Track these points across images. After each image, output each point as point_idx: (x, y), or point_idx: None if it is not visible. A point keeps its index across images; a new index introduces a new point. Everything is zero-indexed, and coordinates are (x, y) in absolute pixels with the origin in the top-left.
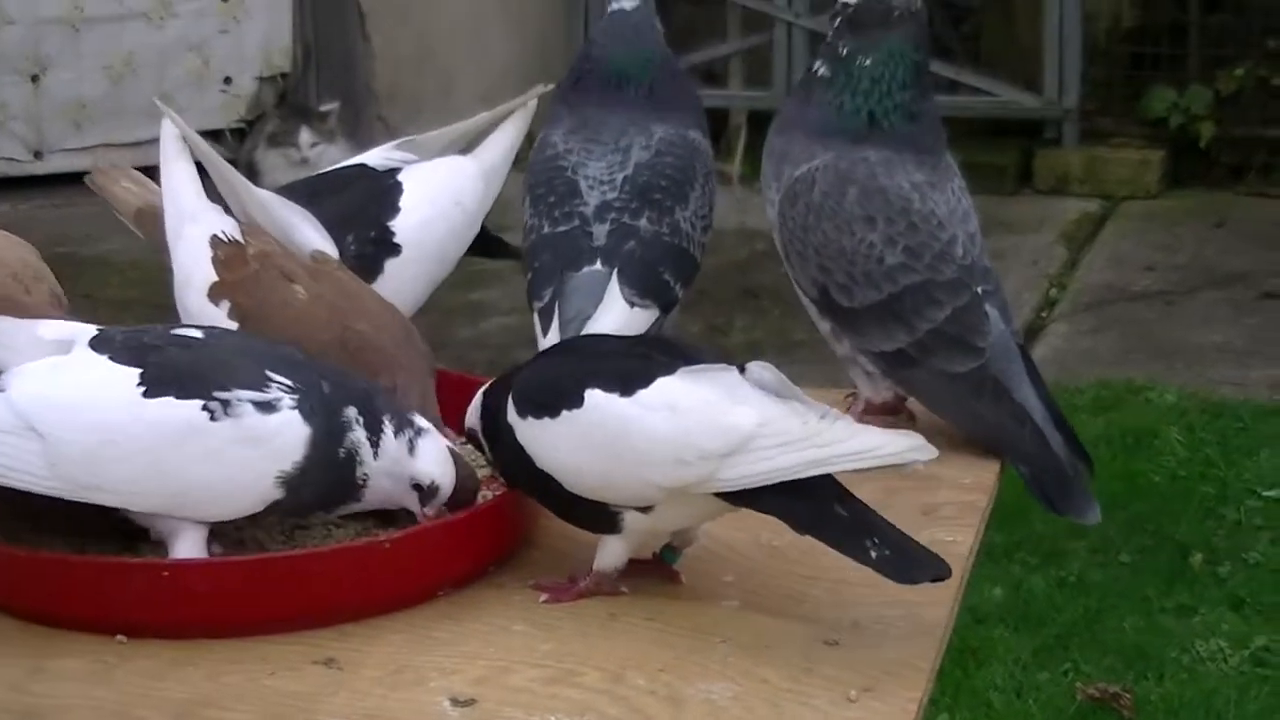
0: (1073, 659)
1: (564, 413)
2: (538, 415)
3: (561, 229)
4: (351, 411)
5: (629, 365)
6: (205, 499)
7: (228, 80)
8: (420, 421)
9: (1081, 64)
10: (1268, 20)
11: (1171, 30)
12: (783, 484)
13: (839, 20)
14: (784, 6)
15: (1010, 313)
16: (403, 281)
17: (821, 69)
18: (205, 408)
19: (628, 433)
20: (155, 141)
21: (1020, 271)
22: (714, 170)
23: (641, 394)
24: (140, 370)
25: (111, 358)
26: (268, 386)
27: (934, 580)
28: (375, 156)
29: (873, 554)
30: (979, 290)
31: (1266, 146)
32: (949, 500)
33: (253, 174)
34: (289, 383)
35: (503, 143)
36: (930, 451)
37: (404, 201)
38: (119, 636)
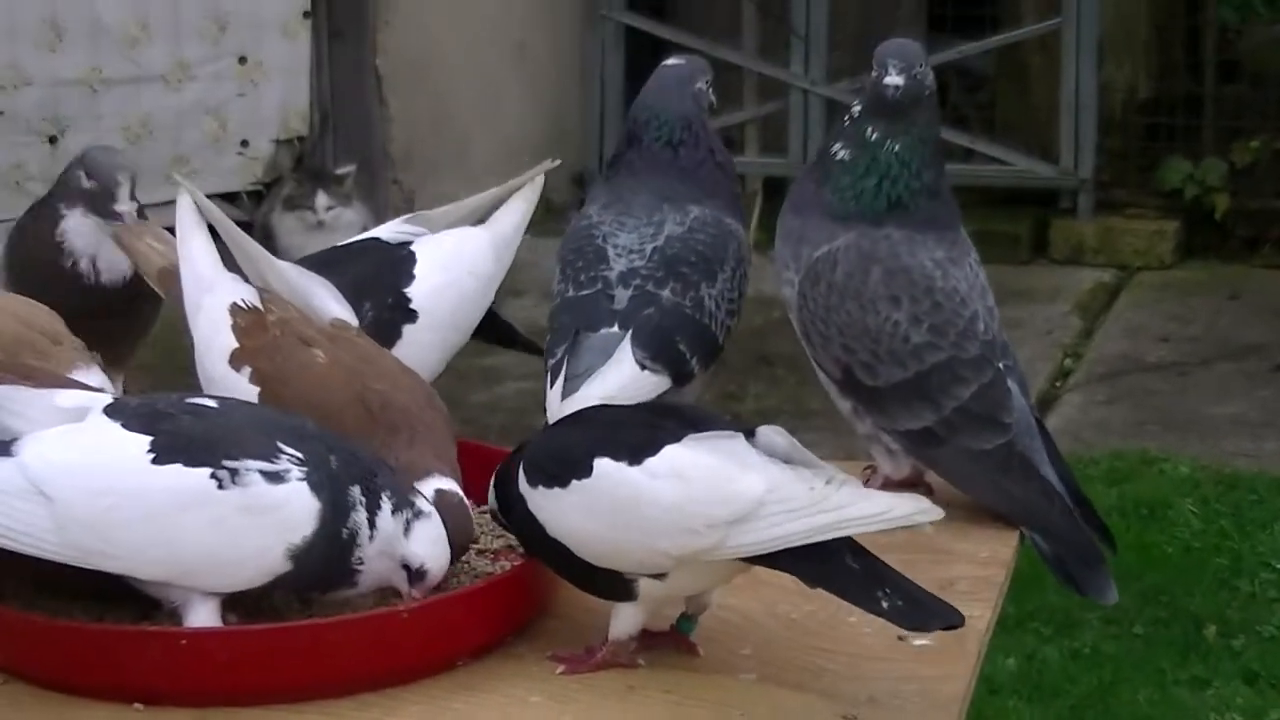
0: None
1: (573, 482)
2: (548, 485)
3: (585, 292)
4: (356, 490)
5: (637, 434)
6: (211, 568)
7: (244, 143)
8: (422, 504)
9: (1097, 134)
10: None
11: (1187, 101)
12: (797, 547)
13: (863, 102)
14: (800, 74)
15: (1027, 386)
16: (419, 348)
17: (841, 152)
18: (213, 475)
19: (637, 502)
20: (171, 203)
21: (1035, 341)
22: (749, 257)
23: (650, 462)
24: (151, 438)
25: (124, 425)
26: (277, 458)
27: (946, 628)
28: (386, 230)
29: (884, 604)
30: (1000, 365)
31: None
32: (965, 574)
33: (268, 237)
34: (299, 455)
35: (514, 215)
36: (937, 512)
37: (419, 270)
38: (136, 705)
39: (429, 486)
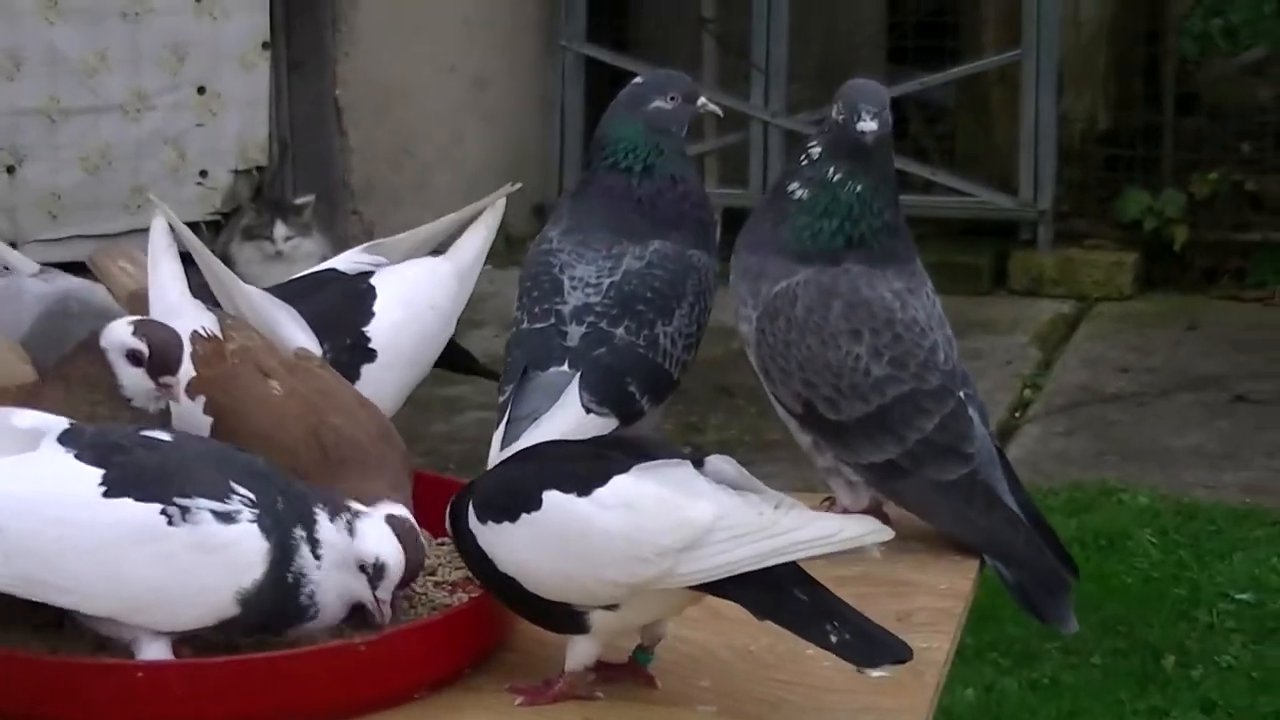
0: None
1: (523, 516)
2: (497, 519)
3: (538, 325)
4: (299, 531)
5: (586, 466)
6: (156, 605)
7: (204, 173)
8: (358, 506)
9: (1056, 166)
10: (1241, 124)
11: (1146, 133)
12: (747, 576)
13: (823, 141)
14: (760, 106)
15: (987, 415)
16: (379, 386)
17: (800, 192)
18: (163, 512)
19: (586, 533)
20: (130, 234)
21: (994, 372)
22: (710, 290)
23: (598, 493)
24: (103, 470)
25: (77, 455)
26: (229, 497)
27: (894, 663)
28: (345, 261)
29: (833, 638)
30: (961, 395)
31: (1239, 250)
32: (924, 606)
33: (228, 264)
34: (250, 496)
35: (474, 243)
36: (886, 533)
37: (378, 306)
38: None
39: (379, 512)
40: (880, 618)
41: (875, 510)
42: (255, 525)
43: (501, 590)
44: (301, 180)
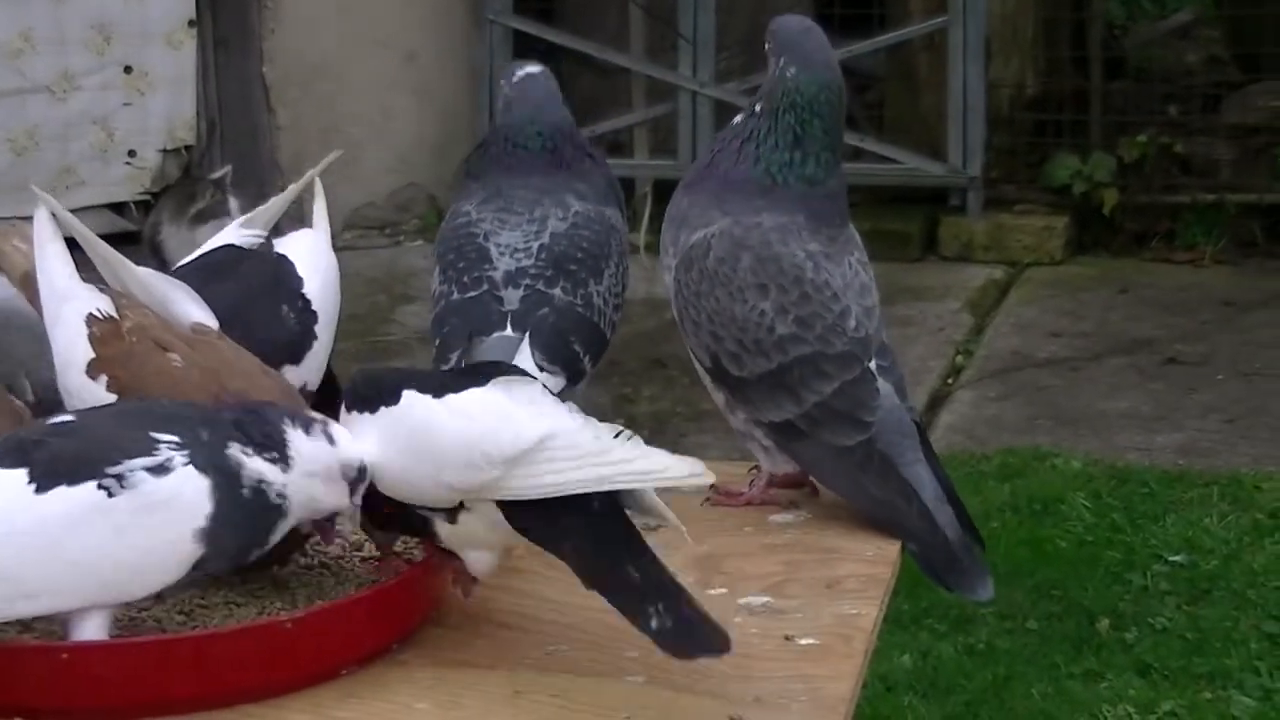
0: None
1: (381, 409)
2: (360, 409)
3: (471, 294)
4: (235, 448)
5: (453, 378)
6: (125, 578)
7: (132, 153)
8: (321, 416)
9: (985, 132)
10: (1169, 88)
11: (1074, 98)
12: (578, 525)
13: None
14: (689, 76)
15: (906, 388)
16: (321, 346)
17: (736, 119)
18: (100, 486)
19: (428, 431)
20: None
21: (927, 339)
22: (628, 249)
23: (450, 398)
24: (27, 469)
25: None
26: (156, 450)
27: (709, 656)
28: (234, 236)
29: (653, 623)
30: (871, 365)
31: (1169, 213)
32: (852, 573)
33: (156, 251)
34: (175, 439)
35: (324, 213)
36: (709, 477)
37: (302, 272)
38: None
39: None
40: (809, 585)
41: (802, 478)
42: (190, 466)
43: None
44: (230, 158)
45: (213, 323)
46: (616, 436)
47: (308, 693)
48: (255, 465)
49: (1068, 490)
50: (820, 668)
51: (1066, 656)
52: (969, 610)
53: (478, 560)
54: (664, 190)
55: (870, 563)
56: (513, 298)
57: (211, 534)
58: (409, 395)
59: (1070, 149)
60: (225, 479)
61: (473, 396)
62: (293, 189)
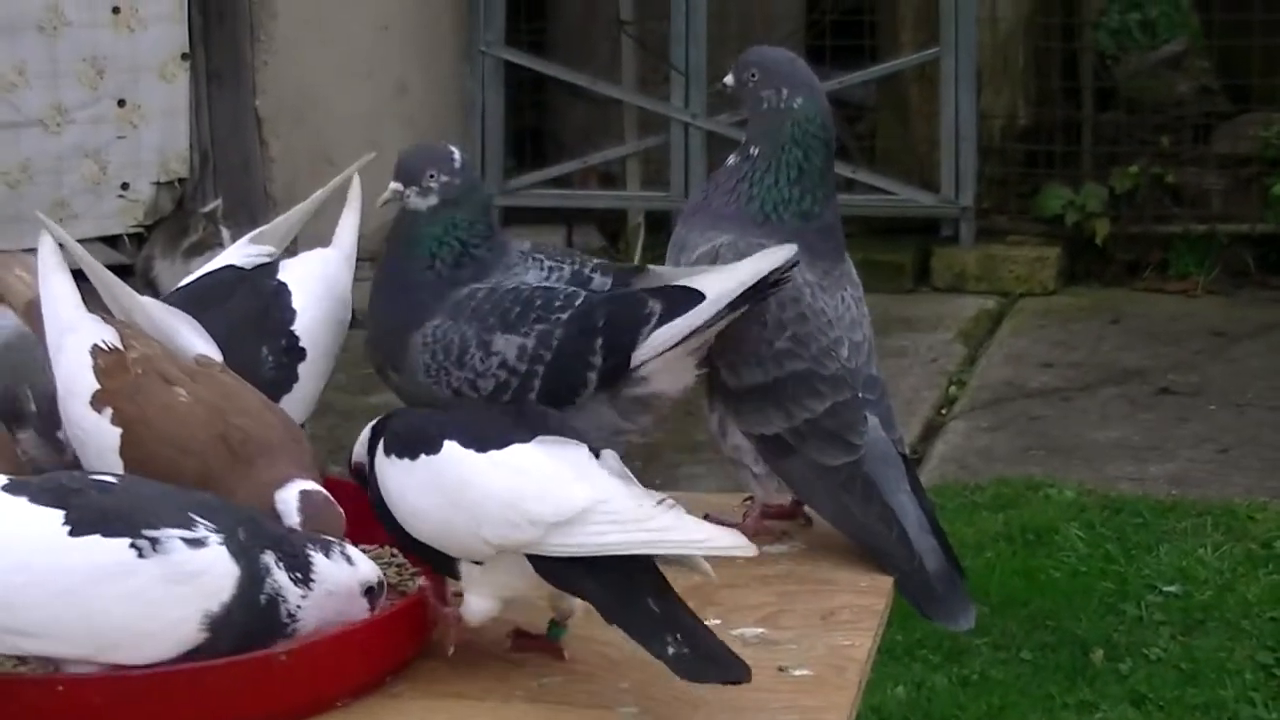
0: None
1: (421, 457)
2: (400, 455)
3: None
4: (269, 557)
5: (493, 427)
6: (126, 643)
7: (125, 186)
8: (334, 540)
9: (977, 162)
10: (1160, 118)
11: (1065, 128)
12: (603, 570)
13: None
14: (681, 108)
15: (895, 422)
16: (309, 381)
17: (731, 158)
18: (133, 545)
19: (469, 485)
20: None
21: (919, 369)
22: None
23: (493, 453)
24: (64, 511)
25: (31, 500)
26: (194, 526)
27: (726, 683)
28: (237, 255)
29: (670, 650)
30: (860, 395)
31: (1161, 243)
32: (847, 604)
33: (150, 281)
34: (213, 525)
35: (350, 226)
36: (751, 550)
37: (297, 303)
38: None
39: (293, 489)
40: (804, 616)
41: (795, 509)
42: (225, 549)
43: (387, 523)
44: (223, 190)
45: (216, 355)
46: (658, 504)
47: None
48: (280, 577)
49: (1061, 520)
50: (814, 699)
51: (1061, 687)
52: (963, 641)
53: (478, 606)
54: (655, 221)
55: (864, 594)
56: None
57: (217, 623)
58: (450, 447)
59: (1062, 179)
60: (250, 576)
61: (517, 454)
62: (313, 199)
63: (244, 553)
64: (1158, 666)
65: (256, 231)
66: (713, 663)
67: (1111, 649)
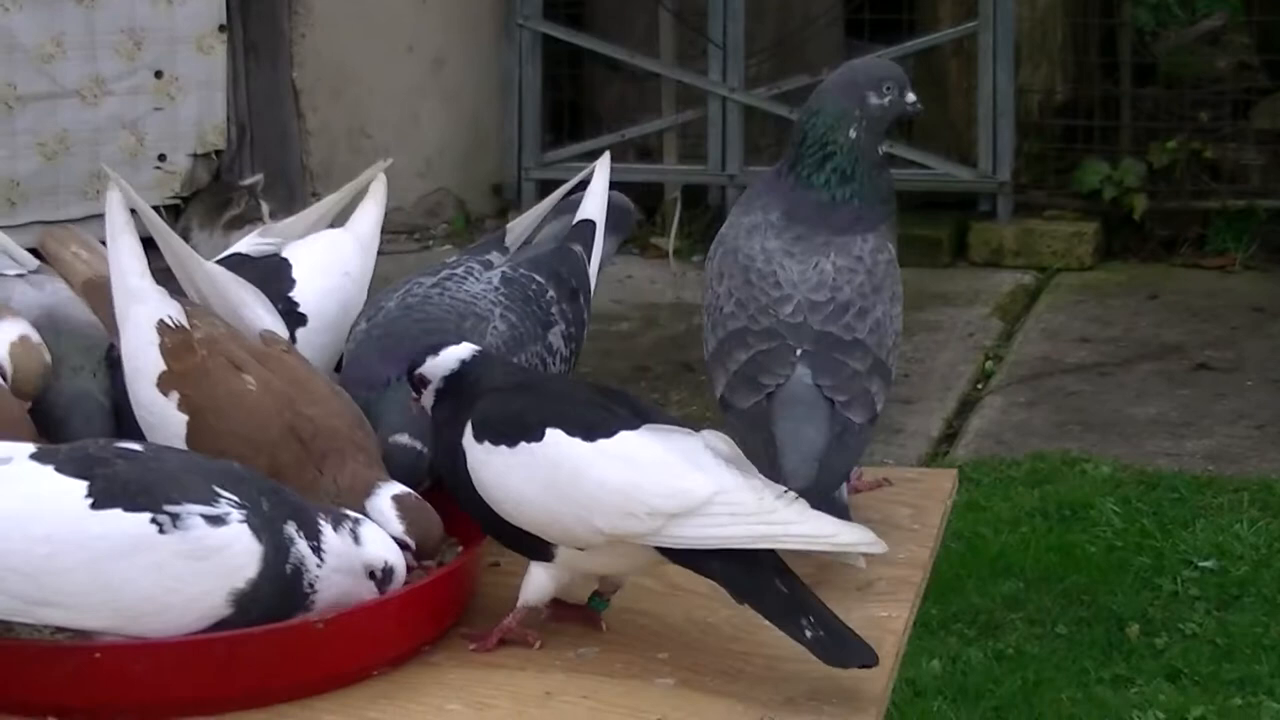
0: None
1: (521, 444)
2: (495, 441)
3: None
4: (291, 527)
5: (591, 412)
6: (152, 614)
7: (162, 157)
8: (353, 514)
9: (1014, 137)
10: (1198, 94)
11: (1103, 103)
12: (730, 555)
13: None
14: (719, 82)
15: (850, 387)
16: (312, 350)
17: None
18: (154, 520)
19: (581, 476)
20: (89, 219)
21: (956, 344)
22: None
23: (602, 442)
24: (88, 482)
25: (57, 469)
26: (216, 501)
27: (861, 667)
28: (247, 245)
29: (808, 634)
30: (790, 344)
31: (1199, 218)
32: (883, 575)
33: None
34: (236, 498)
35: (370, 216)
36: (880, 546)
37: (297, 274)
38: (49, 718)
39: (384, 495)
40: (841, 588)
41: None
42: (246, 526)
43: (477, 510)
44: (260, 163)
45: (283, 330)
46: (779, 497)
47: (339, 694)
48: (302, 548)
49: (1097, 496)
50: (850, 670)
51: (1096, 662)
52: (998, 616)
53: (540, 587)
54: (691, 195)
55: (901, 566)
56: None
57: (242, 598)
58: (554, 435)
59: (1100, 154)
60: (275, 550)
61: (628, 443)
62: (332, 198)
63: (268, 526)
64: (1193, 642)
65: (266, 227)
66: (846, 646)
67: (1147, 624)
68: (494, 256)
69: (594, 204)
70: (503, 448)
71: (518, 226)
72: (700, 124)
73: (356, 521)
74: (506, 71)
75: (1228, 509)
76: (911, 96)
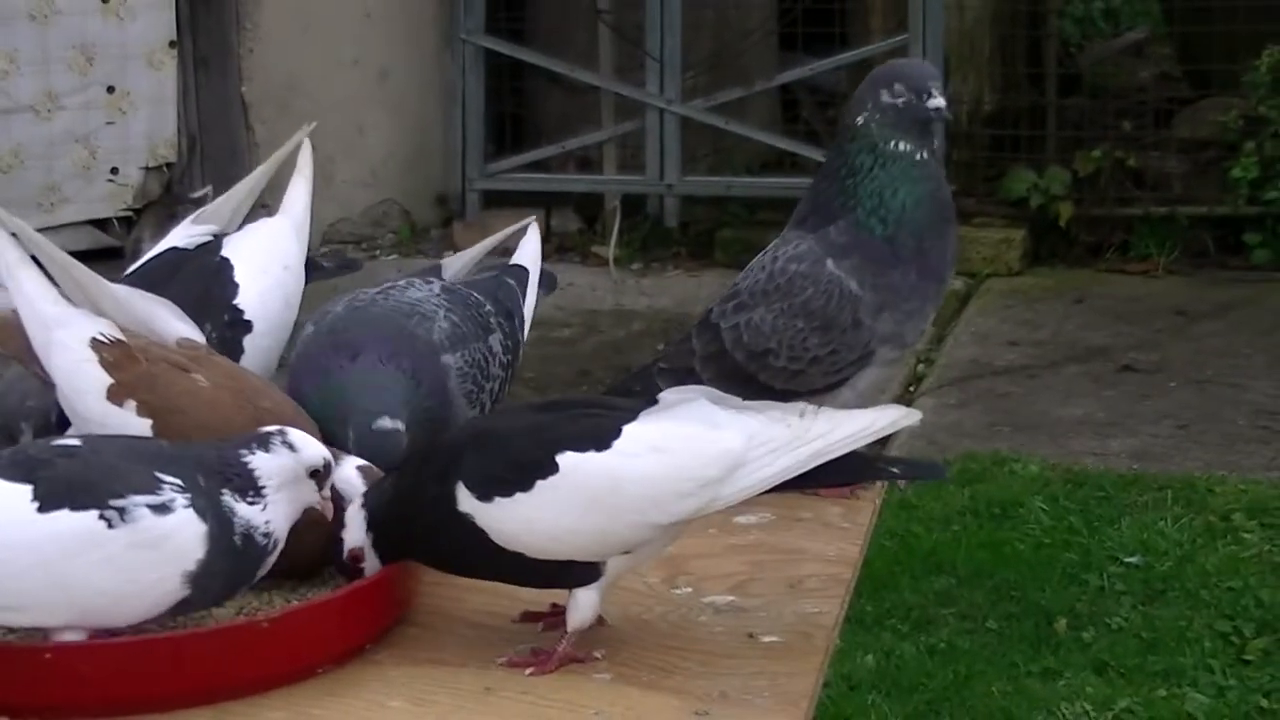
0: None
1: (538, 483)
2: (506, 493)
3: None
4: (228, 495)
5: (585, 424)
6: (109, 606)
7: (114, 170)
8: (270, 428)
9: (945, 146)
10: (1121, 104)
11: (1030, 113)
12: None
13: (874, 125)
14: (656, 95)
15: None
16: (259, 354)
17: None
18: (101, 516)
19: (620, 483)
20: (44, 230)
21: None
22: None
23: (617, 445)
24: (32, 485)
25: (0, 475)
26: (159, 489)
27: (938, 478)
28: (179, 237)
29: (894, 470)
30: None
31: (1123, 225)
32: (814, 573)
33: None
34: (178, 482)
35: (301, 194)
36: (915, 415)
37: (239, 276)
38: (2, 718)
39: (349, 465)
40: (772, 585)
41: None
42: (191, 510)
43: (498, 569)
44: (210, 175)
45: (198, 336)
46: (803, 416)
47: (285, 691)
48: (243, 512)
49: (1025, 494)
50: (783, 664)
51: (1025, 655)
52: (930, 612)
53: (589, 604)
54: (630, 204)
55: (832, 563)
56: None
57: (198, 578)
58: (567, 459)
59: (1027, 163)
60: (220, 527)
61: (640, 434)
62: (258, 172)
63: (209, 504)
64: (1119, 635)
65: (199, 212)
66: (921, 465)
67: (1075, 618)
68: (434, 280)
69: (527, 255)
70: (518, 495)
71: (453, 264)
72: (639, 135)
73: (281, 433)
74: (450, 84)
75: (1152, 506)
76: (937, 101)
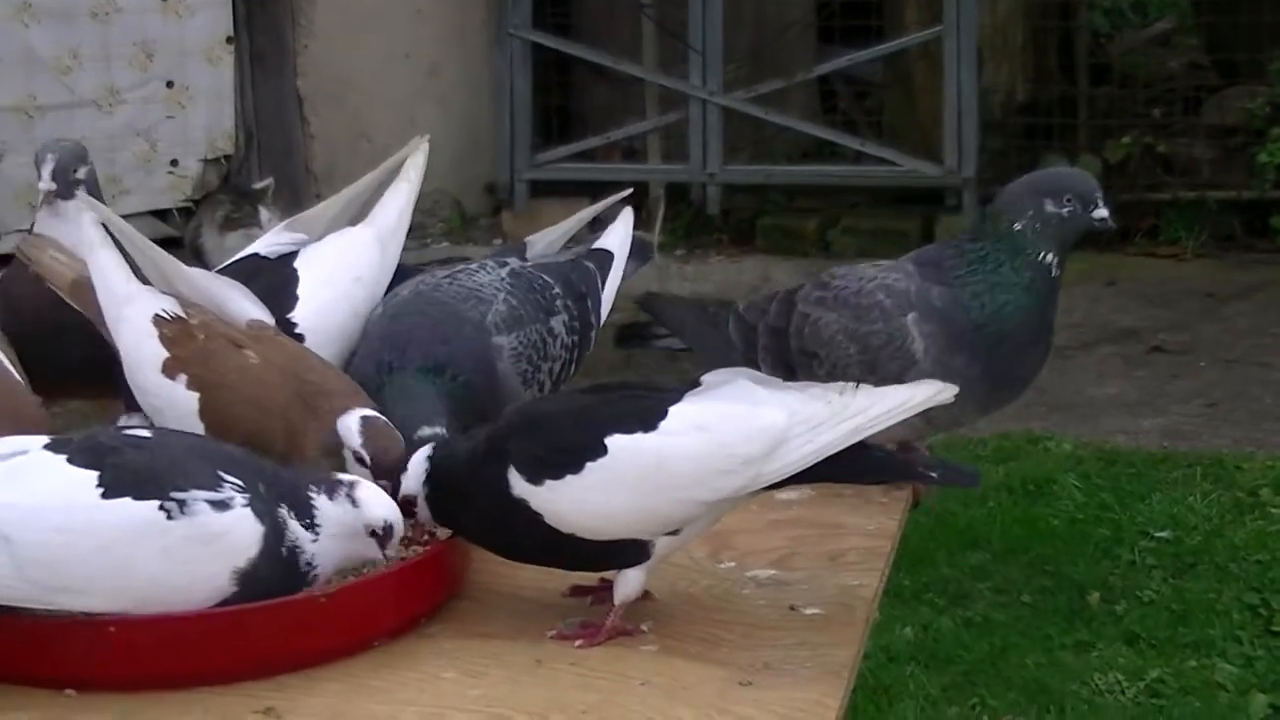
0: (979, 694)
1: (588, 465)
2: (557, 476)
3: None
4: (284, 509)
5: (630, 405)
6: (162, 595)
7: (174, 163)
8: (346, 477)
9: (978, 135)
10: (1151, 92)
11: (1062, 102)
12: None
13: (1030, 231)
14: (699, 86)
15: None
16: None
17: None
18: (162, 507)
19: (666, 461)
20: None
21: None
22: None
23: (663, 424)
24: (98, 472)
25: (69, 460)
26: (220, 486)
27: (973, 485)
28: (266, 244)
29: (933, 474)
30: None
31: (1152, 210)
32: (854, 546)
33: (198, 255)
34: (239, 483)
35: (396, 203)
36: (951, 389)
37: (301, 290)
38: (68, 691)
39: (354, 416)
40: (813, 559)
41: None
42: (249, 509)
43: (549, 552)
44: (267, 167)
45: (268, 319)
46: (842, 393)
47: (341, 664)
48: (295, 529)
49: (1059, 472)
50: (824, 635)
51: (1059, 628)
52: (966, 585)
53: (637, 580)
54: (674, 193)
55: (871, 536)
56: None
57: (246, 577)
58: (615, 440)
59: (1059, 151)
60: (273, 532)
61: (685, 414)
62: (363, 181)
63: (267, 509)
64: (1150, 608)
65: (292, 219)
66: (958, 470)
67: (1107, 592)
68: (512, 261)
69: (614, 239)
70: (568, 477)
71: (539, 241)
72: (682, 126)
73: (352, 485)
74: (498, 78)
75: (1182, 483)
76: (1101, 212)
